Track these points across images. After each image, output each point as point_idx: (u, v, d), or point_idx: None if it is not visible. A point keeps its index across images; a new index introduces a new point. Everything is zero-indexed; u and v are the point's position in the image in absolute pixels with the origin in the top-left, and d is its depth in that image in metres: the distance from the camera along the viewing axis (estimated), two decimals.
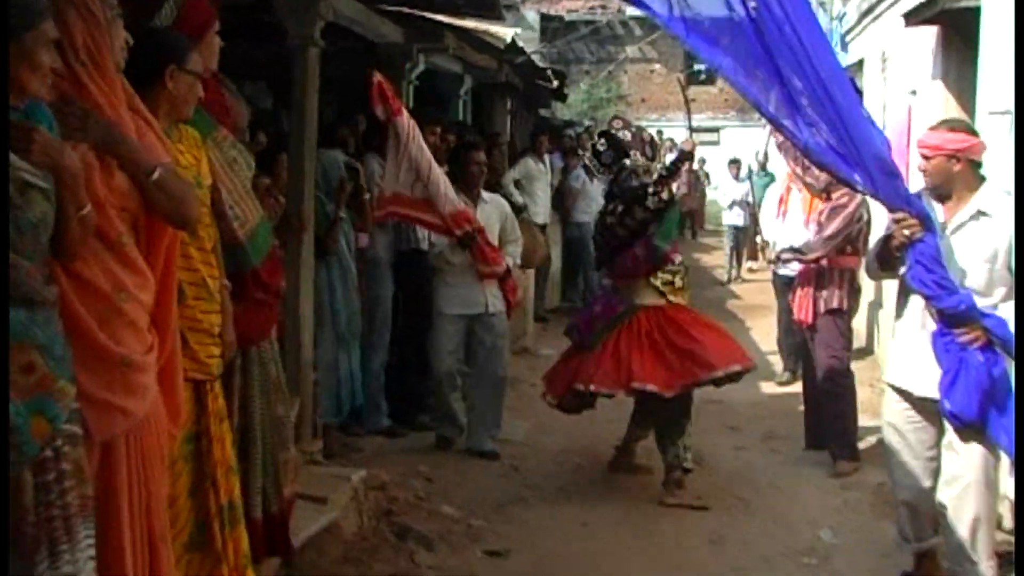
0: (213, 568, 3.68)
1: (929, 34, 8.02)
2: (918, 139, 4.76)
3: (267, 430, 4.15)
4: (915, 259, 4.47)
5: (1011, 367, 4.34)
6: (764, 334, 11.12)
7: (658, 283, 6.32)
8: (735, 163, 17.69)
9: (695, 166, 23.05)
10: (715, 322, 6.70)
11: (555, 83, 11.95)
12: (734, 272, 17.01)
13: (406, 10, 7.05)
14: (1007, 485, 5.03)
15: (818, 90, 4.16)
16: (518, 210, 10.81)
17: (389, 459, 6.73)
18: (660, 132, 20.95)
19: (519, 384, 9.16)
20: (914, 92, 9.01)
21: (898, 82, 9.99)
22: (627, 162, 6.49)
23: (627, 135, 6.62)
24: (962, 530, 4.47)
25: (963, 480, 4.47)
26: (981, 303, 4.40)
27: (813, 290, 6.88)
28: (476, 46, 8.77)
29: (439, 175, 6.59)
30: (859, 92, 4.72)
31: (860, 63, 12.48)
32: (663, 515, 6.02)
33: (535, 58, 15.34)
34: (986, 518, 4.51)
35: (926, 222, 4.45)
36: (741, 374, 6.35)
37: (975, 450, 4.46)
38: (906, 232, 4.45)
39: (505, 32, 7.88)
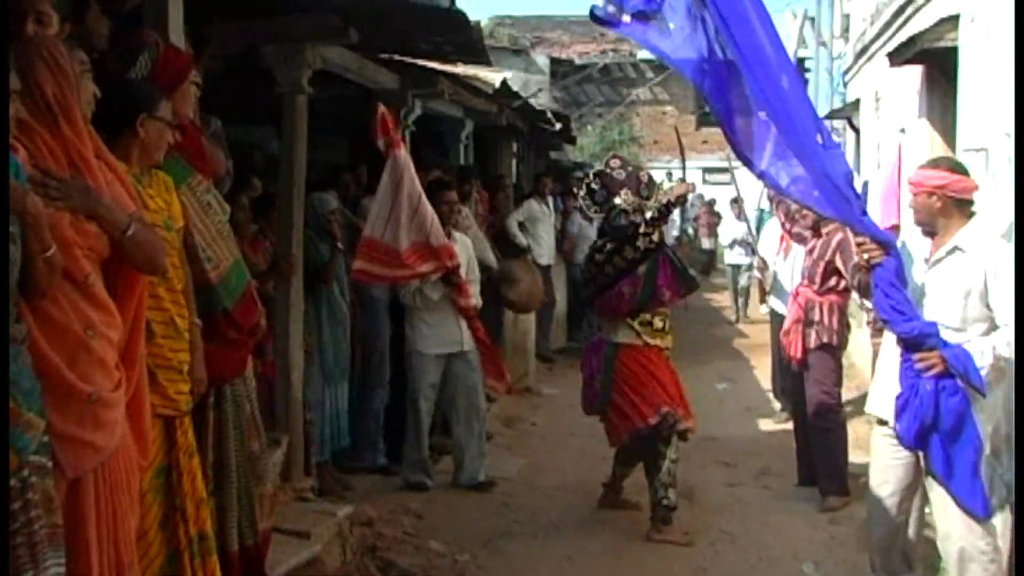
0: None
1: (915, 74, 8.17)
2: (911, 179, 4.82)
3: (242, 465, 4.27)
4: (875, 283, 4.54)
5: (976, 401, 4.37)
6: (767, 373, 11.18)
7: (635, 323, 6.42)
8: (736, 202, 17.76)
9: (697, 208, 23.24)
10: (671, 374, 6.59)
11: (557, 126, 12.09)
12: (741, 311, 17.10)
13: (396, 57, 7.24)
14: None
15: (780, 115, 4.26)
16: (522, 251, 11.01)
17: (382, 496, 6.88)
18: (669, 174, 21.15)
19: (518, 423, 9.30)
20: (903, 130, 9.17)
21: (889, 121, 10.17)
22: (618, 201, 6.49)
23: (622, 174, 6.62)
24: (951, 561, 4.53)
25: (945, 515, 4.52)
26: (955, 338, 4.41)
27: (803, 326, 6.97)
28: (472, 91, 8.94)
29: (428, 209, 6.66)
30: (818, 117, 4.67)
31: (856, 103, 12.64)
32: (649, 550, 6.11)
33: (543, 101, 15.62)
34: (972, 547, 4.47)
35: (886, 247, 4.52)
36: (683, 432, 6.43)
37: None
38: (865, 256, 4.55)
39: (494, 77, 8.04)
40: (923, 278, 4.60)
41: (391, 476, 7.35)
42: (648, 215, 6.43)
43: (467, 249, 7.38)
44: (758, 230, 11.95)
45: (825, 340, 6.91)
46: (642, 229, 6.36)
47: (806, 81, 15.45)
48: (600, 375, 6.48)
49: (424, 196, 6.66)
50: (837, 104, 14.85)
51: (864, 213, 4.63)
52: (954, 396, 4.38)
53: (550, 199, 12.38)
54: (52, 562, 3.04)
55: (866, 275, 4.70)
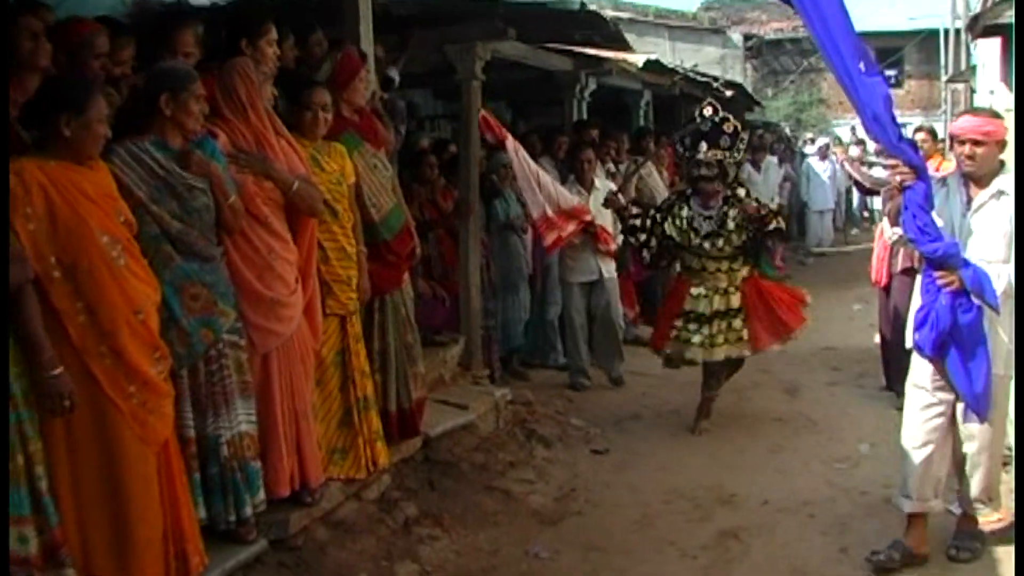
0: (354, 439, 4.54)
1: (996, 45, 7.87)
2: (962, 126, 4.24)
3: (399, 351, 4.94)
4: (905, 204, 4.13)
5: (988, 317, 4.09)
6: None
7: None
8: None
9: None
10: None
11: (728, 93, 12.10)
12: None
13: (551, 46, 7.65)
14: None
15: (824, 40, 3.80)
16: None
17: (549, 386, 7.39)
18: (853, 128, 20.34)
19: None
20: (992, 92, 8.82)
21: (984, 84, 9.85)
22: (700, 154, 6.00)
23: (706, 126, 6.00)
24: (977, 479, 4.29)
25: (976, 440, 4.24)
26: (1000, 270, 4.07)
27: (888, 255, 6.94)
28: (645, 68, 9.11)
29: (548, 180, 6.73)
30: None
31: (974, 69, 12.08)
32: (740, 429, 6.34)
33: (736, 72, 15.46)
34: (997, 467, 4.31)
35: (918, 170, 4.08)
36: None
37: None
38: (897, 178, 4.13)
39: (637, 59, 8.28)
40: (963, 221, 4.19)
41: (566, 372, 7.76)
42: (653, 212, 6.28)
43: (598, 200, 7.13)
44: None
45: (908, 265, 6.65)
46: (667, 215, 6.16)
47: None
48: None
49: (542, 173, 6.69)
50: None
51: (900, 139, 4.06)
52: (969, 312, 4.09)
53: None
54: (241, 407, 3.81)
55: (898, 199, 4.24)
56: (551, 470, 5.69)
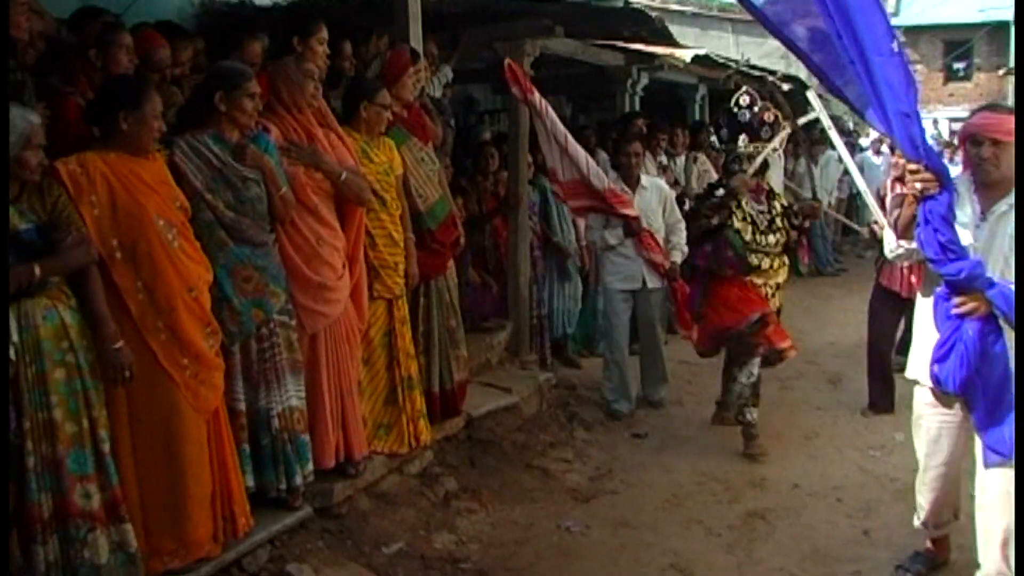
0: (398, 415, 4.75)
1: None
2: (980, 124, 3.62)
3: (442, 335, 5.14)
4: (924, 216, 3.49)
5: (1011, 341, 3.49)
6: None
7: None
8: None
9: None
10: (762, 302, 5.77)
11: (785, 87, 12.05)
12: None
13: (601, 42, 7.77)
14: None
15: (838, 23, 3.27)
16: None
17: (595, 373, 7.51)
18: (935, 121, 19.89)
19: None
20: None
21: None
22: (740, 146, 5.68)
23: (745, 115, 5.66)
24: (995, 540, 3.62)
25: (991, 491, 3.63)
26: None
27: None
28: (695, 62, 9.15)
29: (578, 148, 5.93)
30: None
31: None
32: (779, 416, 6.33)
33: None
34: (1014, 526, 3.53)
35: (942, 178, 3.45)
36: (780, 352, 5.75)
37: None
38: (918, 186, 3.46)
39: (686, 54, 8.33)
40: (977, 233, 3.59)
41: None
42: (717, 195, 5.64)
43: (660, 192, 6.41)
44: None
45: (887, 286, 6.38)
46: (704, 210, 5.67)
47: None
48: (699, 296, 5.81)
49: (570, 137, 5.89)
50: None
51: (923, 139, 3.44)
52: (998, 340, 3.50)
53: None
54: (291, 383, 4.04)
55: (909, 209, 3.62)
56: (590, 451, 5.83)
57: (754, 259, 5.69)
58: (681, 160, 8.77)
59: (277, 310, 3.96)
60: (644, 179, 6.46)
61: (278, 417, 3.94)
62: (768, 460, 5.58)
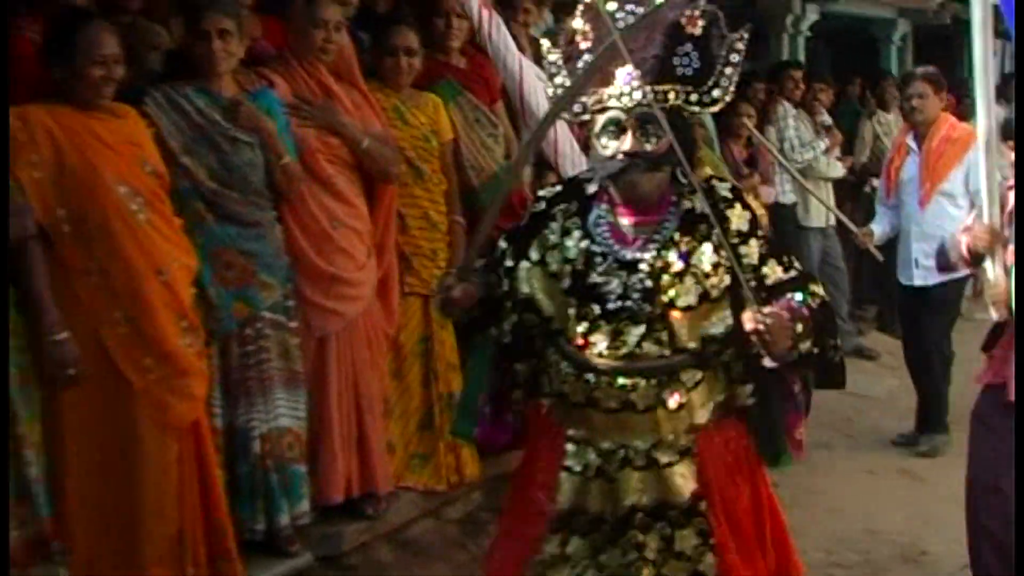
0: (435, 443, 4.61)
1: None
2: None
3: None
4: None
5: None
6: None
7: None
8: None
9: None
10: None
11: None
12: None
13: None
14: None
15: None
16: None
17: None
18: None
19: None
20: None
21: None
22: None
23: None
24: None
25: None
26: None
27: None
28: None
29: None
30: None
31: None
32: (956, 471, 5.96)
33: None
34: None
35: None
36: None
37: None
38: None
39: None
40: None
41: None
42: None
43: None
44: None
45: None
46: None
47: None
48: None
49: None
50: None
51: None
52: None
53: None
54: (283, 399, 3.95)
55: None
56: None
57: None
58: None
59: (268, 306, 3.87)
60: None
61: (261, 440, 3.85)
62: (933, 528, 5.20)
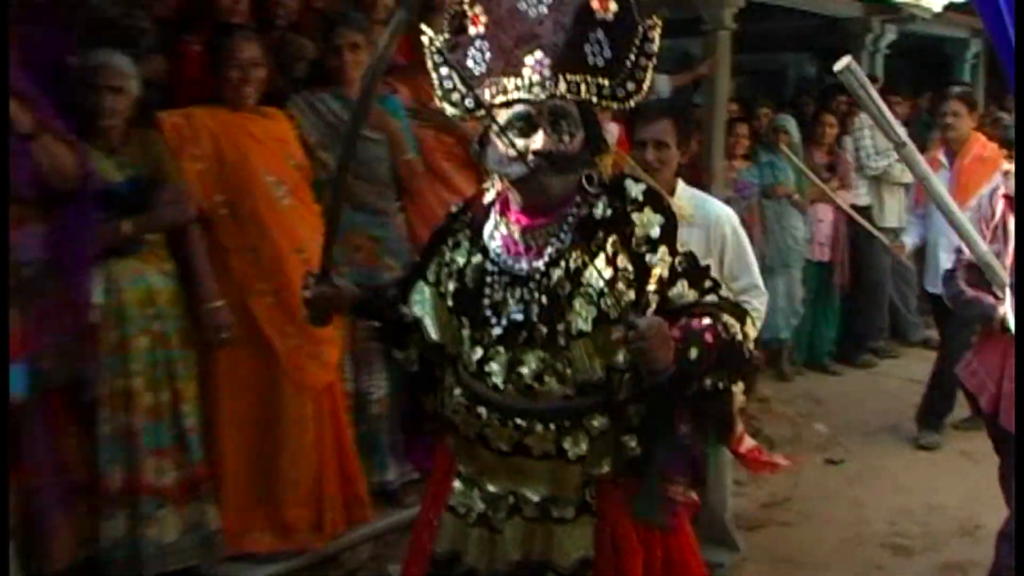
0: None
1: None
2: None
3: None
4: None
5: None
6: None
7: None
8: None
9: None
10: None
11: None
12: None
13: None
14: None
15: None
16: None
17: (806, 387, 7.65)
18: None
19: None
20: None
21: None
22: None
23: None
24: None
25: None
26: None
27: None
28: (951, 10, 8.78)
29: None
30: None
31: None
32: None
33: None
34: None
35: None
36: None
37: None
38: None
39: (933, 3, 8.09)
40: None
41: (832, 376, 8.04)
42: None
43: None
44: None
45: None
46: None
47: None
48: None
49: None
50: None
51: None
52: None
53: None
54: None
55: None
56: (770, 475, 5.93)
57: None
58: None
59: None
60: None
61: (377, 403, 4.31)
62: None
